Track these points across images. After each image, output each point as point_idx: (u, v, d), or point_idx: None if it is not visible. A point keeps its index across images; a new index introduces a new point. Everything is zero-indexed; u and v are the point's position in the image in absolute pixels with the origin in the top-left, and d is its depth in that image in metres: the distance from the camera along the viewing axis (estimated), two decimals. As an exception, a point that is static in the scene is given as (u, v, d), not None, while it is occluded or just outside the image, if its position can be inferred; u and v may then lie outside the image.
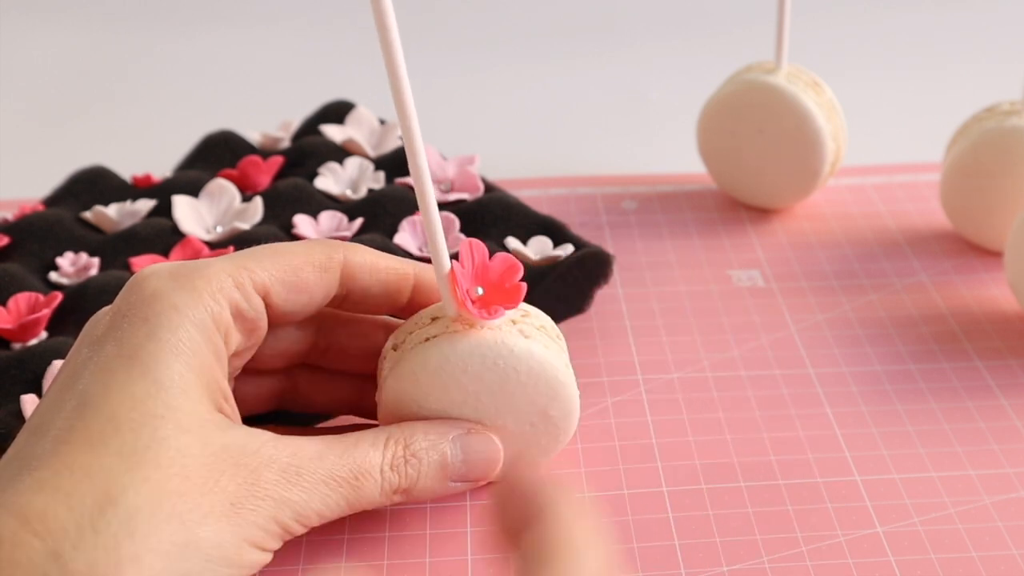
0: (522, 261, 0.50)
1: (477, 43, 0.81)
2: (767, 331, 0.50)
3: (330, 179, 0.56)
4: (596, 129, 0.70)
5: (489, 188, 0.56)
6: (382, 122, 0.61)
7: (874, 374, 0.47)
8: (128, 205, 0.54)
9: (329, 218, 0.53)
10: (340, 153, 0.58)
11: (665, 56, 0.80)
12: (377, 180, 0.56)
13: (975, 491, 0.41)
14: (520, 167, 0.63)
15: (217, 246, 0.51)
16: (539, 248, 0.51)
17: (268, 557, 0.34)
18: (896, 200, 0.60)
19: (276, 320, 0.37)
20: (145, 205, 0.54)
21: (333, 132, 0.60)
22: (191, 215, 0.53)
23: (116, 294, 0.47)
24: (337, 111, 0.62)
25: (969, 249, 0.55)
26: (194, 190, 0.54)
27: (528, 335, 0.37)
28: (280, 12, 0.88)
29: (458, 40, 0.83)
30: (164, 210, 0.53)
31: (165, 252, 0.51)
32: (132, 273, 0.49)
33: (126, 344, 0.33)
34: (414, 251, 0.51)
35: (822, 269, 0.54)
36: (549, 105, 0.73)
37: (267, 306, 0.36)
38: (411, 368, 0.37)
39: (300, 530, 0.34)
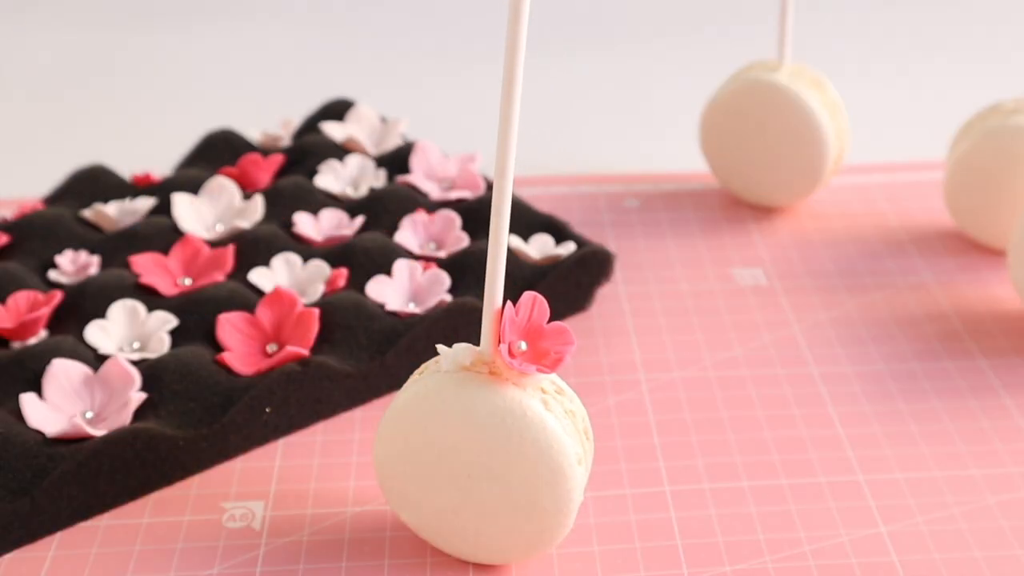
0: (523, 259, 0.50)
1: (479, 41, 0.81)
2: (770, 330, 0.49)
3: (331, 177, 0.56)
4: (598, 127, 0.70)
5: (491, 186, 0.56)
6: (383, 120, 0.61)
7: (877, 373, 0.47)
8: (128, 203, 0.53)
9: (330, 216, 0.53)
10: (341, 151, 0.58)
11: (667, 54, 0.80)
12: (378, 178, 0.56)
13: (979, 491, 0.40)
14: (522, 165, 0.62)
15: (217, 244, 0.51)
16: (541, 246, 0.51)
17: None
18: (899, 198, 0.59)
19: None
20: (145, 203, 0.53)
21: (334, 130, 0.59)
22: (191, 213, 0.53)
23: (116, 293, 0.47)
24: (337, 109, 0.61)
25: (973, 248, 0.55)
26: (194, 188, 0.54)
27: (550, 409, 0.34)
28: (280, 9, 0.88)
29: (460, 38, 0.82)
30: (164, 208, 0.53)
31: (165, 250, 0.50)
32: (132, 272, 0.49)
33: None
34: (415, 249, 0.51)
35: (825, 268, 0.54)
36: (551, 103, 0.73)
37: None
38: (422, 392, 0.35)
39: None
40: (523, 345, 0.34)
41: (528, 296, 0.34)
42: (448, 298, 0.48)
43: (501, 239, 0.33)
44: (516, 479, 0.34)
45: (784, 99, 0.54)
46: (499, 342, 0.34)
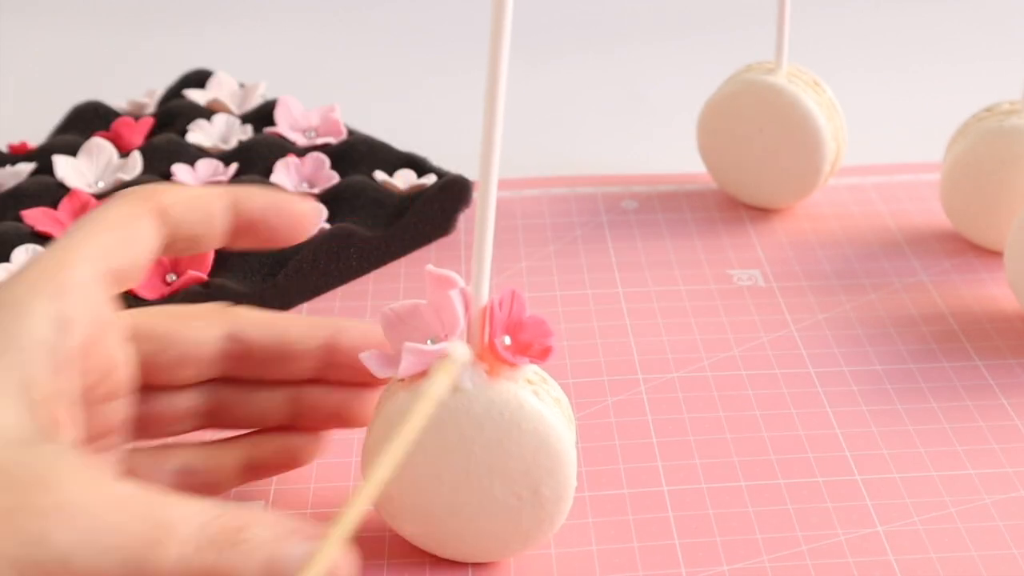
0: (391, 190, 0.55)
1: (476, 42, 0.81)
2: (767, 330, 0.50)
3: (200, 135, 0.59)
4: (596, 129, 0.70)
5: (351, 133, 0.60)
6: (242, 85, 0.64)
7: (874, 373, 0.47)
8: (9, 168, 0.56)
9: (206, 165, 0.56)
10: (207, 112, 0.61)
11: (665, 55, 0.80)
12: (245, 132, 0.60)
13: (975, 490, 0.41)
14: (520, 167, 0.63)
15: (104, 197, 0.54)
16: (405, 179, 0.56)
17: None
18: (896, 200, 0.60)
19: (121, 282, 0.34)
20: (26, 167, 0.56)
21: (197, 96, 0.63)
22: (72, 173, 0.55)
23: (15, 240, 0.49)
24: (198, 78, 0.64)
25: (969, 248, 0.55)
26: (72, 151, 0.56)
27: (541, 398, 0.35)
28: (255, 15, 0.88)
29: (457, 39, 0.82)
30: (45, 172, 0.55)
31: (54, 205, 0.52)
32: (25, 226, 0.51)
33: None
34: (290, 188, 0.55)
35: (822, 269, 0.54)
36: (549, 104, 0.73)
37: (108, 272, 0.33)
38: (413, 395, 0.34)
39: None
40: (507, 339, 0.34)
41: (507, 292, 0.34)
42: (326, 226, 0.52)
43: (486, 238, 0.33)
44: (517, 471, 0.35)
45: (782, 100, 0.54)
46: (490, 338, 0.34)
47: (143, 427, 0.37)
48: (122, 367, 0.35)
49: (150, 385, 0.37)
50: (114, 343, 0.34)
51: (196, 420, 0.38)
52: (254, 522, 0.29)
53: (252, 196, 0.36)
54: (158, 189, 0.35)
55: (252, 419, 0.39)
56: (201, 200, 0.35)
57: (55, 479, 0.28)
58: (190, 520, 0.29)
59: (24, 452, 0.29)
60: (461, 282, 0.34)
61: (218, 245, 0.36)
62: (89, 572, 0.28)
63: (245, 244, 0.37)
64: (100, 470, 0.29)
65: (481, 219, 0.33)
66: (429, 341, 0.34)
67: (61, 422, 0.31)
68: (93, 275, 0.32)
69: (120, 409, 0.35)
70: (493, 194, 0.33)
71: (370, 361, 0.35)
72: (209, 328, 0.37)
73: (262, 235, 0.36)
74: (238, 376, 0.38)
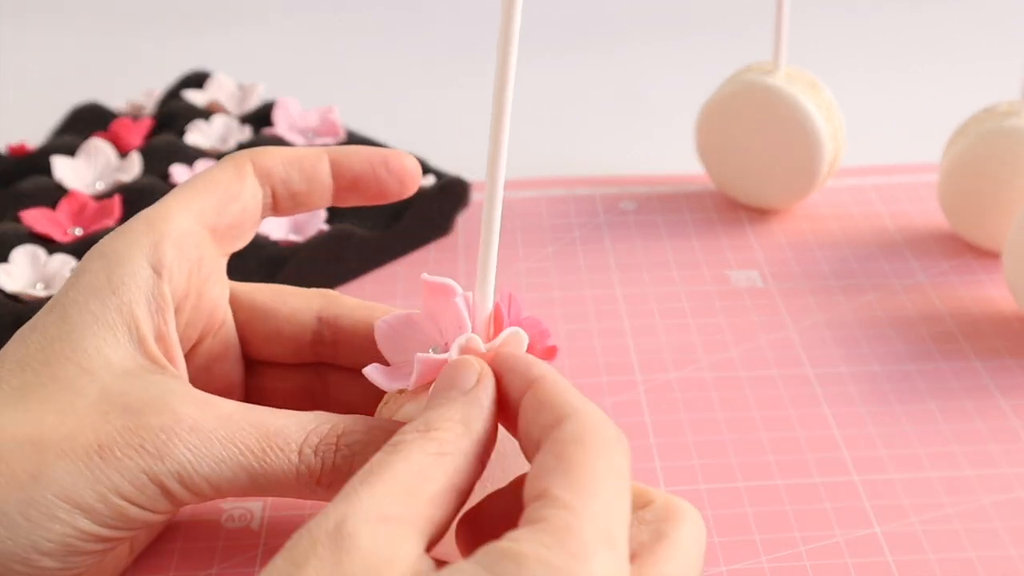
0: None
1: (475, 42, 0.81)
2: (765, 331, 0.50)
3: (199, 136, 0.59)
4: (595, 129, 0.70)
5: (351, 134, 0.60)
6: (241, 87, 0.64)
7: (872, 374, 0.47)
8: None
9: (204, 166, 0.56)
10: (205, 113, 0.61)
11: (664, 56, 0.80)
12: (244, 133, 0.60)
13: (973, 491, 0.41)
14: (518, 168, 0.62)
15: (103, 198, 0.54)
16: None
17: (150, 516, 0.31)
18: (895, 200, 0.60)
19: (227, 241, 0.36)
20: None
21: (196, 97, 0.63)
22: (71, 174, 0.55)
23: (13, 241, 0.49)
24: (196, 79, 0.65)
25: (968, 249, 0.55)
26: (70, 152, 0.57)
27: None
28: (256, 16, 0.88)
29: (456, 39, 0.83)
30: (44, 173, 0.56)
31: (52, 206, 0.53)
32: (24, 227, 0.51)
33: (56, 296, 0.34)
34: None
35: (821, 269, 0.54)
36: (548, 105, 0.73)
37: (210, 229, 0.35)
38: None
39: (187, 496, 0.31)
40: None
41: (503, 295, 0.34)
42: (325, 227, 0.52)
43: (492, 242, 0.33)
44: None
45: (780, 101, 0.54)
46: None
47: (256, 402, 0.38)
48: (228, 324, 0.37)
49: (253, 358, 0.38)
50: (217, 296, 0.36)
51: (304, 402, 0.39)
52: (351, 428, 0.32)
53: (350, 154, 0.38)
54: (258, 151, 0.37)
55: (356, 406, 0.38)
56: (302, 160, 0.37)
57: (167, 402, 0.31)
58: (294, 430, 0.32)
59: (135, 381, 0.31)
60: (459, 289, 0.34)
61: (327, 203, 0.38)
62: (206, 482, 0.31)
63: (353, 201, 0.38)
64: (204, 395, 0.32)
65: (487, 227, 0.33)
66: (432, 350, 0.34)
67: (172, 361, 0.33)
68: (190, 229, 0.34)
69: (234, 371, 0.37)
70: (499, 204, 0.32)
71: (374, 374, 0.34)
72: (305, 306, 0.38)
73: (369, 191, 0.38)
74: (337, 362, 0.39)
